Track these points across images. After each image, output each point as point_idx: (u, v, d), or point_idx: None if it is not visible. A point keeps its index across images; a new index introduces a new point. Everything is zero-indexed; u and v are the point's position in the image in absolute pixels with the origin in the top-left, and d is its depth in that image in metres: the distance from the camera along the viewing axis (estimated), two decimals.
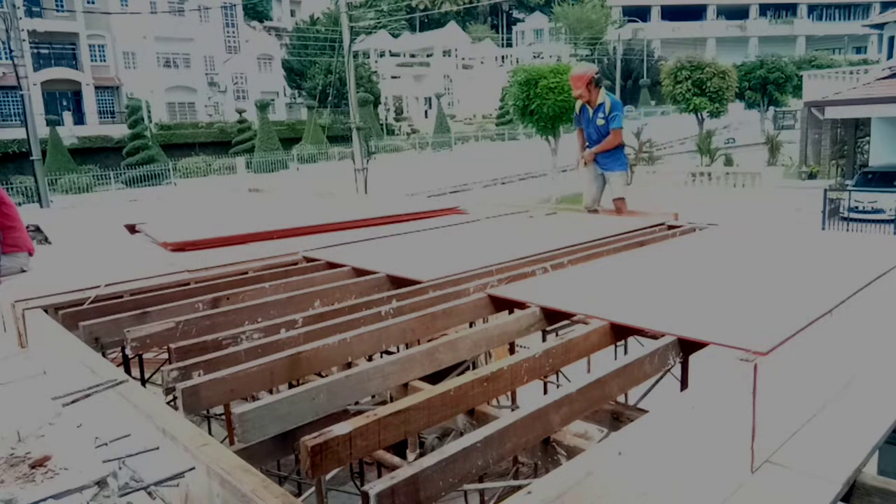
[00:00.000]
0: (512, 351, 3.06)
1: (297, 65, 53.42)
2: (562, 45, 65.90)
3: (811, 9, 71.32)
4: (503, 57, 70.73)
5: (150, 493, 1.83)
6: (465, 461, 1.67)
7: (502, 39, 76.15)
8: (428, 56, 65.23)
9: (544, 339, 3.60)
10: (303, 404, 2.12)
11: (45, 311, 3.39)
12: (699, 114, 32.46)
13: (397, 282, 3.71)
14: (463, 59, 66.08)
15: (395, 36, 66.61)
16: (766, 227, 6.06)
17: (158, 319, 3.08)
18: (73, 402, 2.35)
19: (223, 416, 3.39)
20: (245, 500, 1.61)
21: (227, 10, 52.35)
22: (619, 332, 2.79)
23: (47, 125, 35.56)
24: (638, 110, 53.35)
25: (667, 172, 24.84)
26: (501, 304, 3.23)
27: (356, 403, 2.47)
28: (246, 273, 4.06)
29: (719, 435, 1.97)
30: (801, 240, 5.01)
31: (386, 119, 55.99)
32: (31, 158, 19.29)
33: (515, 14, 79.63)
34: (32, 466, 2.06)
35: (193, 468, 1.81)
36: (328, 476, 1.90)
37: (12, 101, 37.15)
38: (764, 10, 71.59)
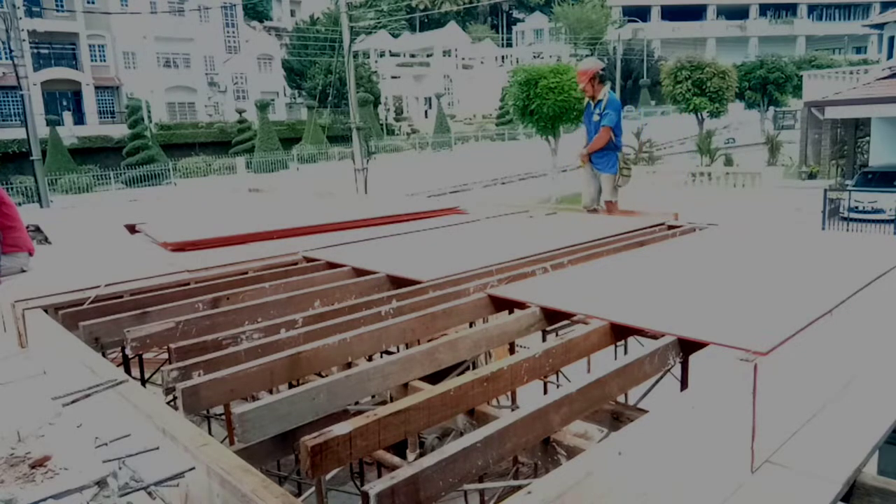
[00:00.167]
0: (512, 351, 3.06)
1: (297, 65, 53.41)
2: (562, 45, 65.89)
3: (811, 9, 71.31)
4: (503, 57, 70.72)
5: (150, 493, 1.83)
6: (465, 461, 1.67)
7: (502, 39, 76.15)
8: (428, 56, 65.22)
9: (544, 339, 3.60)
10: (303, 404, 2.12)
11: (45, 311, 3.39)
12: (699, 114, 32.49)
13: (397, 282, 3.71)
14: (463, 59, 66.06)
15: (395, 36, 66.60)
16: (766, 227, 6.05)
17: (158, 319, 3.08)
18: (73, 402, 2.35)
19: (223, 416, 3.39)
20: (245, 500, 1.61)
21: (227, 10, 52.34)
22: (619, 332, 2.79)
23: (47, 125, 35.55)
24: (638, 110, 53.38)
25: (667, 172, 24.79)
26: (501, 304, 3.23)
27: (356, 403, 2.47)
28: (246, 273, 4.06)
29: (719, 435, 1.97)
30: (801, 240, 5.01)
31: (386, 119, 55.97)
32: (31, 158, 19.28)
33: (515, 14, 79.63)
34: (32, 466, 2.06)
35: (193, 468, 1.81)
36: (328, 476, 1.90)
37: (12, 101, 37.15)
38: (764, 10, 71.57)
